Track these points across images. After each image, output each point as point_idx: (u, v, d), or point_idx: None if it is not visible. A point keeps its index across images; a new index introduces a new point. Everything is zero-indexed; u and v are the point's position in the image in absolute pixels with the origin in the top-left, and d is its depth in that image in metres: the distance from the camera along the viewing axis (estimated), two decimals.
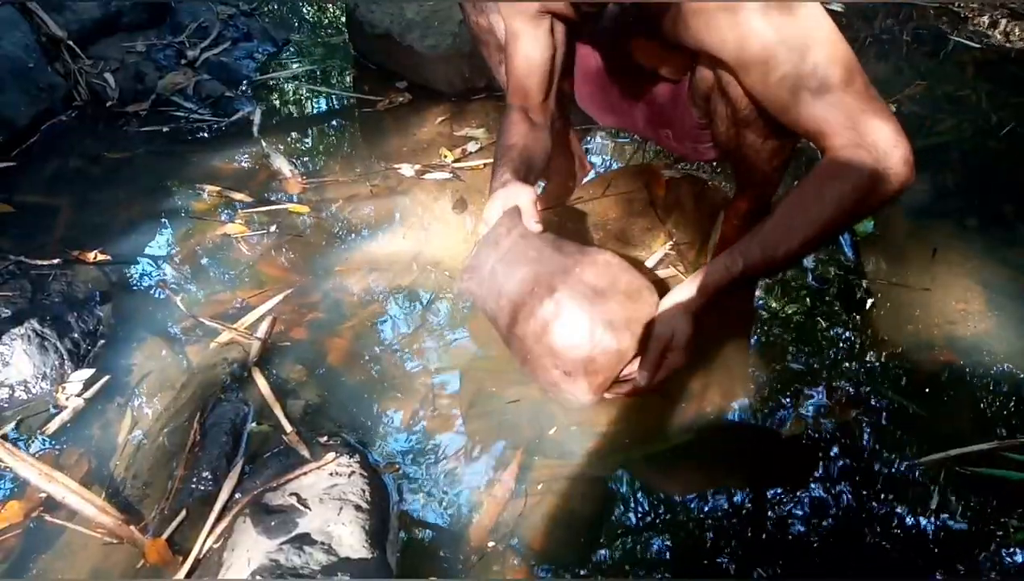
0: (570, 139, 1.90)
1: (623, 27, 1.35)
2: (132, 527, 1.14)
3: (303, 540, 1.08)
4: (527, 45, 1.45)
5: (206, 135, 2.38)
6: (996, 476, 1.18)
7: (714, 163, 1.84)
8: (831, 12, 2.94)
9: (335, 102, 2.67)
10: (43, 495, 1.21)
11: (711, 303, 1.20)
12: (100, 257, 1.72)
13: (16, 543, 1.16)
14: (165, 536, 1.15)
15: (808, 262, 1.65)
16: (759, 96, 1.20)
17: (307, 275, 1.70)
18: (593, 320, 1.15)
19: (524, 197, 1.31)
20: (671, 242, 1.71)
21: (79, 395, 1.40)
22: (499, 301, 1.22)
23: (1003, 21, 2.82)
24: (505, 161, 1.40)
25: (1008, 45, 2.73)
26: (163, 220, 1.92)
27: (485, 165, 2.07)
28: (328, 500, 1.14)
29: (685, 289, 1.20)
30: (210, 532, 1.15)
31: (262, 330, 1.52)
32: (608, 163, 2.08)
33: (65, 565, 1.13)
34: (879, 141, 1.11)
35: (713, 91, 1.35)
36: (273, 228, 1.86)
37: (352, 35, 2.85)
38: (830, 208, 1.12)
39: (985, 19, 2.85)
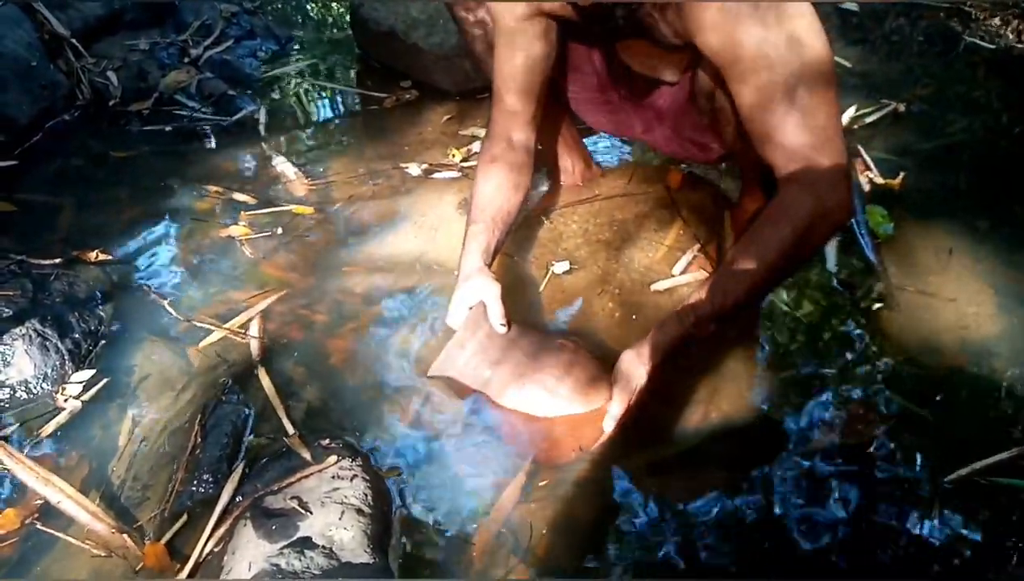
0: (575, 139, 1.88)
1: (621, 29, 1.30)
2: (125, 536, 1.12)
3: (304, 544, 1.07)
4: (518, 50, 1.39)
5: (209, 134, 2.36)
6: (1015, 486, 1.16)
7: (723, 164, 1.82)
8: (845, 12, 2.93)
9: (339, 101, 2.65)
10: (40, 501, 1.19)
11: (667, 359, 1.23)
12: (102, 257, 1.71)
13: (13, 551, 1.14)
14: (165, 540, 1.14)
15: (831, 265, 1.63)
16: (736, 99, 1.19)
17: (310, 276, 1.69)
18: (548, 425, 1.28)
19: (489, 293, 1.32)
20: (698, 245, 1.67)
21: (80, 396, 1.39)
22: None
23: (1014, 21, 2.79)
24: (477, 232, 1.39)
25: (1020, 45, 2.70)
26: (165, 220, 1.91)
27: None
28: (330, 504, 1.13)
29: (643, 346, 1.23)
30: (210, 535, 1.14)
31: (255, 329, 1.50)
32: (621, 161, 2.05)
33: (64, 568, 1.12)
34: (823, 180, 1.11)
35: (716, 89, 1.33)
36: (278, 229, 1.84)
37: (356, 33, 2.84)
38: (772, 253, 1.14)
39: (996, 20, 2.83)
